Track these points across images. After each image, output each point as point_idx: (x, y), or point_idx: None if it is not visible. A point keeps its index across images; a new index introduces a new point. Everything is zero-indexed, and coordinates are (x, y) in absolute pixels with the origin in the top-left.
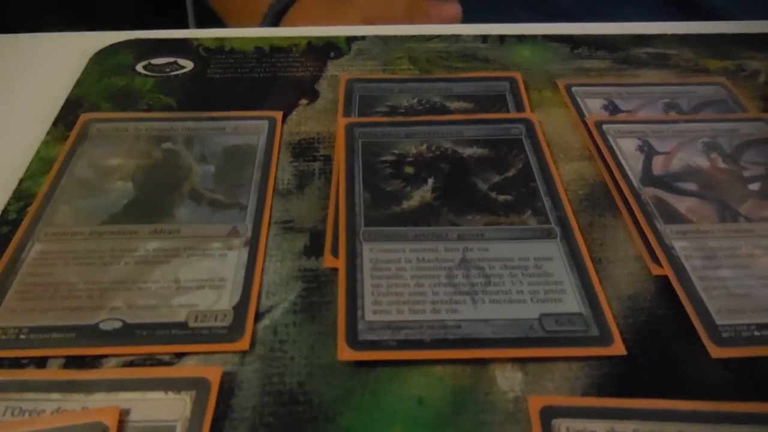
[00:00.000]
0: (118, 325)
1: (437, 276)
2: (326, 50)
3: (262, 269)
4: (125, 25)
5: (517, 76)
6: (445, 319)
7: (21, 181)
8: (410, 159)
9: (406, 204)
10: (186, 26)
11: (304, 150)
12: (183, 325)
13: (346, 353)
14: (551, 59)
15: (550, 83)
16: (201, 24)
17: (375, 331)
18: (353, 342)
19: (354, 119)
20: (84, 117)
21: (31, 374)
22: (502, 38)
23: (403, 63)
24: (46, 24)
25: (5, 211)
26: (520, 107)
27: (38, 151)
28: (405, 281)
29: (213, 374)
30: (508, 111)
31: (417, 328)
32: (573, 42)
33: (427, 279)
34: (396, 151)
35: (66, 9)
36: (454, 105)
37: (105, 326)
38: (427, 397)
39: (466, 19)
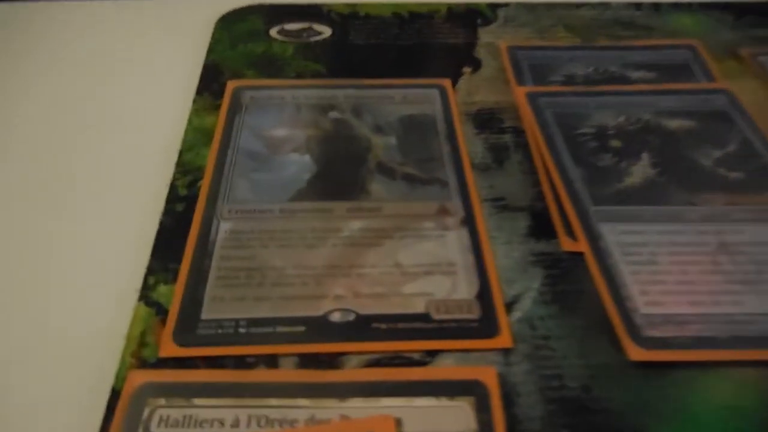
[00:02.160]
0: (350, 317)
1: (699, 262)
2: (471, 17)
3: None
4: None
5: (698, 44)
6: (731, 312)
7: (181, 154)
8: (612, 132)
9: (628, 180)
10: None
11: (487, 121)
12: (425, 317)
13: (636, 353)
14: (716, 27)
15: (729, 52)
16: None
17: (657, 327)
18: (639, 340)
19: (534, 88)
20: (232, 84)
21: (266, 375)
22: (656, 5)
23: (559, 31)
24: None
25: (173, 186)
26: (708, 77)
27: (190, 121)
28: (665, 267)
29: (488, 377)
30: (695, 81)
31: (703, 323)
32: (733, 10)
33: (689, 266)
34: (594, 123)
35: None
36: (634, 74)
37: (335, 318)
38: (740, 406)
39: None
